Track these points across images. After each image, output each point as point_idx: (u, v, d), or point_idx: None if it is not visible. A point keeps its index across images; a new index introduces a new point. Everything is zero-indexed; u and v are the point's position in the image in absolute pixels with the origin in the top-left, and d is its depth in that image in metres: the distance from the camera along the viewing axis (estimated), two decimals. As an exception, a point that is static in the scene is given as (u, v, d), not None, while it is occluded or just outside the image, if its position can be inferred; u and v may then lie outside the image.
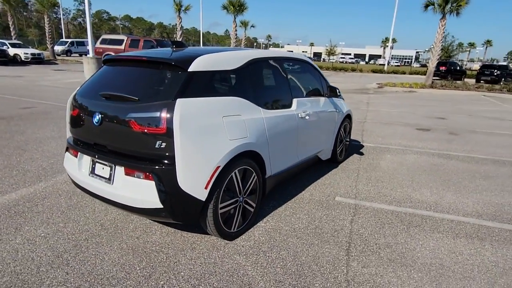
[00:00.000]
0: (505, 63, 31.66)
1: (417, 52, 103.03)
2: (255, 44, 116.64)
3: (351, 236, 2.98)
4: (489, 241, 2.97)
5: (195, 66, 2.58)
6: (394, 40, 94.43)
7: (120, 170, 2.54)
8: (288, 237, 2.93)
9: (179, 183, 2.38)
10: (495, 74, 24.75)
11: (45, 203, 3.40)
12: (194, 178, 2.43)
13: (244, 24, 34.93)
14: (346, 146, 5.19)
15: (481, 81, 24.95)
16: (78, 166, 2.85)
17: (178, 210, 2.45)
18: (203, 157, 2.46)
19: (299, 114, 3.58)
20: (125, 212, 3.27)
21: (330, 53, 59.74)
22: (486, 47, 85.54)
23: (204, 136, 2.48)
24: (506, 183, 4.45)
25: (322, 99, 4.23)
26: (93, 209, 3.32)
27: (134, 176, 2.46)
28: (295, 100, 3.57)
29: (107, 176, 2.63)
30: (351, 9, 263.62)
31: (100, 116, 2.55)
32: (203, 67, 2.63)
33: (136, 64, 2.81)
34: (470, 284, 2.39)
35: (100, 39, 19.52)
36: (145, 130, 2.37)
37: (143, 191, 2.42)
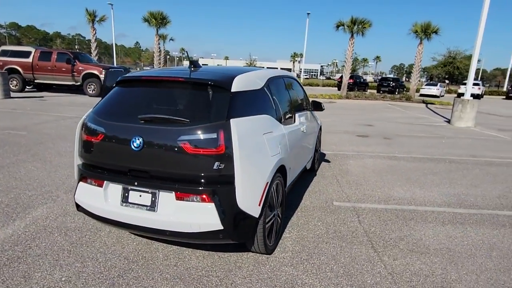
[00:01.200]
0: (397, 76, 37.42)
1: (321, 66, 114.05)
2: (168, 57, 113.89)
3: (368, 235, 3.33)
4: (468, 224, 3.65)
5: (235, 86, 2.64)
6: (301, 55, 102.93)
7: (167, 195, 2.43)
8: (317, 243, 3.13)
9: (237, 202, 2.39)
10: (391, 85, 29.12)
11: (40, 244, 2.95)
12: (250, 196, 2.47)
13: (163, 37, 34.10)
14: (318, 155, 5.64)
15: (381, 92, 29.00)
16: (104, 197, 2.60)
17: (238, 230, 2.45)
18: (256, 174, 2.53)
19: (301, 128, 3.85)
20: (144, 241, 3.06)
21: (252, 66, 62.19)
22: (376, 62, 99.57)
23: (255, 153, 2.55)
24: (450, 176, 5.43)
25: (308, 113, 4.59)
26: (104, 243, 3.01)
27: (189, 200, 2.38)
28: (296, 115, 3.83)
29: (148, 204, 2.48)
30: (263, 25, 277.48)
31: (141, 140, 2.41)
32: (241, 87, 2.70)
33: (168, 85, 2.72)
34: (475, 260, 2.94)
35: (-1, 50, 16.82)
36: (201, 152, 2.34)
37: (201, 214, 2.36)
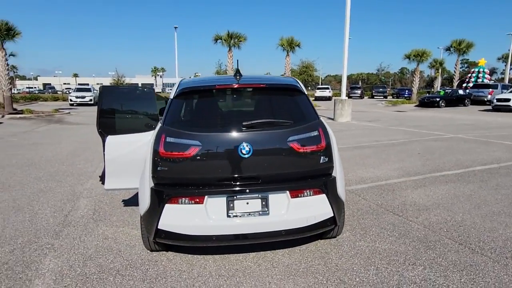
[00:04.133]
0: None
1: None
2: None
3: (382, 206, 4.06)
4: (427, 185, 4.86)
5: (303, 89, 2.92)
6: (163, 70, 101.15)
7: (278, 196, 2.52)
8: (358, 221, 3.65)
9: (337, 190, 2.70)
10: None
11: (106, 292, 2.46)
12: (342, 183, 2.80)
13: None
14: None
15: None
16: (207, 214, 2.44)
17: (340, 214, 2.74)
18: (340, 164, 2.87)
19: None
20: (216, 257, 2.93)
21: (119, 84, 57.22)
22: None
23: (336, 146, 2.89)
24: (381, 157, 6.83)
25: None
26: (179, 270, 2.74)
27: (303, 196, 2.54)
28: None
29: (259, 209, 2.51)
30: (119, 39, 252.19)
31: (250, 147, 2.42)
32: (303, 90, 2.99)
33: (247, 92, 2.76)
34: (457, 205, 4.03)
35: None
36: (308, 149, 2.55)
37: (316, 206, 2.57)
